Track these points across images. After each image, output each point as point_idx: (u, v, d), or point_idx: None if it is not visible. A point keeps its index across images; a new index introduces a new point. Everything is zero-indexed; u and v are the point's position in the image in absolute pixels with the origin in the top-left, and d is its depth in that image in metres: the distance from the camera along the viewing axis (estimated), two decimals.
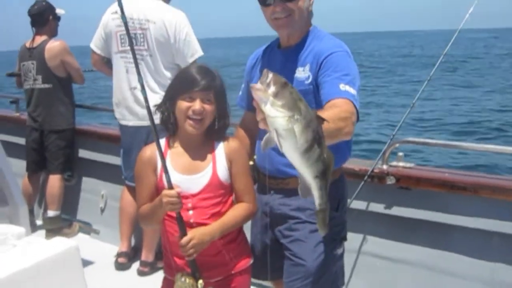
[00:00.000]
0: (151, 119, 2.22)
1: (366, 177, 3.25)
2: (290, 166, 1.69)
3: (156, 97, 3.16)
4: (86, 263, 2.55)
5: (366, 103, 19.83)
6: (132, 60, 3.80)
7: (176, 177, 2.20)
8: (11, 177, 3.00)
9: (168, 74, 3.75)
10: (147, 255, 4.03)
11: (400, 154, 3.43)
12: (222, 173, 2.30)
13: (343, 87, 2.10)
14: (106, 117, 6.80)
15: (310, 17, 2.43)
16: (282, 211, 2.45)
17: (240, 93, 2.72)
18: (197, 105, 2.22)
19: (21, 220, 2.92)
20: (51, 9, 4.92)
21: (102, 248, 4.47)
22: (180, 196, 2.15)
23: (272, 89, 1.52)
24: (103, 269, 4.06)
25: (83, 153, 5.05)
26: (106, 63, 4.13)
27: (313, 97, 2.22)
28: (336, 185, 2.37)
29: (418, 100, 3.60)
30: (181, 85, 2.27)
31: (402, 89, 25.01)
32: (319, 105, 2.11)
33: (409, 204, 3.28)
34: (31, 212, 4.77)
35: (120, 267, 4.15)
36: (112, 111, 4.17)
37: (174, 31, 3.76)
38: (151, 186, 2.32)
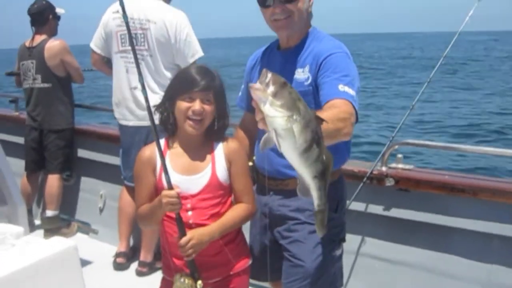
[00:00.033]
0: (152, 119, 2.22)
1: (365, 179, 3.24)
2: (290, 167, 1.69)
3: (156, 97, 3.16)
4: (84, 263, 2.55)
5: (366, 105, 19.84)
6: (132, 60, 3.80)
7: (175, 178, 2.20)
8: (10, 176, 2.99)
9: (168, 75, 3.74)
10: (145, 255, 4.03)
11: (399, 156, 3.43)
12: (221, 173, 2.30)
13: (342, 88, 2.10)
14: (106, 116, 6.80)
15: (309, 18, 2.43)
16: (281, 212, 2.45)
17: (240, 94, 2.72)
18: (196, 105, 2.21)
19: (20, 220, 2.92)
20: (51, 8, 4.92)
21: (101, 248, 4.47)
22: (179, 197, 2.15)
23: (271, 88, 1.52)
24: (102, 269, 4.06)
25: (82, 153, 5.05)
26: (106, 62, 4.13)
27: (312, 98, 2.22)
28: (335, 186, 2.37)
29: (418, 102, 3.60)
30: (181, 85, 2.27)
31: (402, 91, 25.02)
32: (318, 106, 2.11)
33: (408, 206, 3.28)
34: (29, 211, 4.78)
35: (119, 267, 4.15)
36: (112, 111, 4.17)
37: (174, 31, 3.76)
38: (150, 186, 2.31)
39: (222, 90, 2.32)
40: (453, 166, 10.52)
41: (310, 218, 2.29)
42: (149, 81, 3.71)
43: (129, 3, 2.35)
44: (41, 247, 2.35)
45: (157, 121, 2.28)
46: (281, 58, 2.43)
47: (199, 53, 3.86)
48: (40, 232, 4.74)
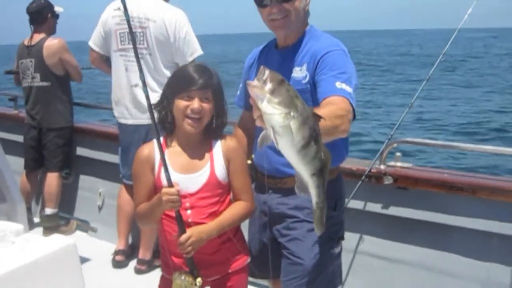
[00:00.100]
0: (152, 117, 2.22)
1: (363, 177, 3.25)
2: (288, 165, 1.70)
3: (155, 96, 3.16)
4: (83, 260, 2.56)
5: (364, 102, 19.85)
6: (131, 58, 3.83)
7: (174, 176, 2.19)
8: (9, 174, 3.00)
9: (168, 73, 3.74)
10: (144, 253, 4.03)
11: (398, 154, 3.44)
12: (220, 172, 2.30)
13: (339, 85, 2.10)
14: (105, 114, 6.79)
15: (307, 17, 2.43)
16: (280, 210, 2.45)
17: (238, 92, 2.72)
18: (195, 104, 2.21)
19: (19, 218, 2.93)
20: (50, 7, 4.92)
21: (100, 246, 4.48)
22: (179, 194, 2.15)
23: (268, 86, 1.51)
24: (101, 267, 4.06)
25: (81, 151, 5.05)
26: (105, 61, 4.12)
27: (310, 96, 2.22)
28: (334, 185, 2.38)
29: (417, 100, 3.60)
30: (179, 84, 2.26)
31: (400, 88, 25.04)
32: (316, 104, 2.11)
33: (407, 204, 3.28)
34: (28, 209, 4.78)
35: (118, 265, 4.15)
36: (111, 109, 4.17)
37: (174, 30, 3.75)
38: (148, 184, 2.31)
39: (220, 88, 2.31)
40: (453, 165, 10.52)
41: (309, 216, 2.29)
42: (149, 79, 3.71)
43: (128, 2, 2.35)
44: (41, 244, 2.36)
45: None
46: (279, 56, 2.43)
47: (198, 51, 3.85)
48: (39, 230, 4.75)
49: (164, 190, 2.15)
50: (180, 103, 2.22)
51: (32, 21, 4.89)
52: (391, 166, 3.37)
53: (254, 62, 2.58)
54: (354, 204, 3.27)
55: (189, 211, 2.25)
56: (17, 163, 4.95)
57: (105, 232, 4.63)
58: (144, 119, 3.76)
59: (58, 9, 4.99)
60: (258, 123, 1.59)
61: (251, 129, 2.55)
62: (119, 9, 3.79)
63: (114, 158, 4.38)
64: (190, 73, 2.25)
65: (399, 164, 3.40)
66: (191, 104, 2.21)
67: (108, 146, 4.66)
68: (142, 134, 3.75)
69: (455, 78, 28.38)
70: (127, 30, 3.75)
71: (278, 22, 2.33)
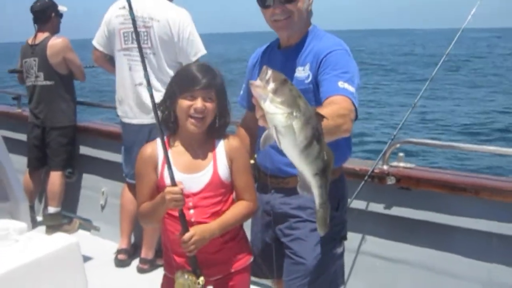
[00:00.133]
0: (156, 116, 2.23)
1: (366, 177, 3.25)
2: (290, 165, 1.70)
3: (158, 95, 3.18)
4: (85, 259, 2.57)
5: (368, 102, 19.84)
6: (135, 58, 3.84)
7: (177, 176, 2.19)
8: (12, 173, 3.01)
9: (171, 73, 3.74)
10: (147, 252, 4.04)
11: (401, 154, 3.43)
12: (223, 171, 2.30)
13: (341, 84, 2.10)
14: (108, 112, 6.81)
15: (309, 17, 2.44)
16: (283, 210, 2.45)
17: (241, 92, 2.72)
18: (198, 103, 2.21)
19: (22, 216, 2.94)
20: (54, 6, 4.93)
21: (102, 245, 4.48)
22: (183, 193, 2.15)
23: (271, 85, 1.52)
24: (103, 266, 4.07)
25: (84, 150, 5.06)
26: (108, 60, 4.13)
27: (313, 96, 2.22)
28: (336, 185, 2.37)
29: (421, 100, 3.60)
30: (182, 83, 2.26)
31: (404, 88, 24.98)
32: (318, 103, 2.11)
33: (409, 204, 3.28)
34: (31, 208, 4.78)
35: (120, 264, 4.16)
36: (114, 108, 4.17)
37: (178, 29, 3.75)
38: (151, 184, 2.31)
39: (223, 88, 2.31)
40: (457, 165, 10.51)
41: (312, 216, 2.29)
42: (152, 79, 3.70)
43: (133, 1, 2.36)
44: (44, 243, 2.37)
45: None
46: (281, 56, 2.44)
47: (202, 51, 3.85)
48: (42, 228, 4.76)
49: (168, 189, 2.14)
50: (183, 102, 2.22)
51: (36, 20, 4.90)
52: (394, 166, 3.37)
53: (257, 62, 2.59)
54: (356, 204, 3.27)
55: (192, 211, 2.25)
56: (20, 161, 4.96)
57: (107, 231, 4.64)
58: (147, 118, 3.77)
59: (62, 8, 5.00)
60: (260, 123, 1.59)
61: (254, 129, 2.55)
62: (124, 7, 3.79)
63: (117, 157, 4.39)
64: (193, 73, 2.25)
65: (402, 164, 3.39)
66: (194, 104, 2.21)
67: (111, 145, 4.66)
68: (145, 133, 3.76)
69: (458, 78, 28.32)
70: (131, 29, 3.78)
71: (281, 23, 2.34)
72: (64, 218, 4.88)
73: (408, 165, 3.39)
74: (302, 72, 2.30)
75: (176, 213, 2.20)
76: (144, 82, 2.29)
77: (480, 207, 3.06)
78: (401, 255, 3.35)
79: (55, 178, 4.81)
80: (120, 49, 3.90)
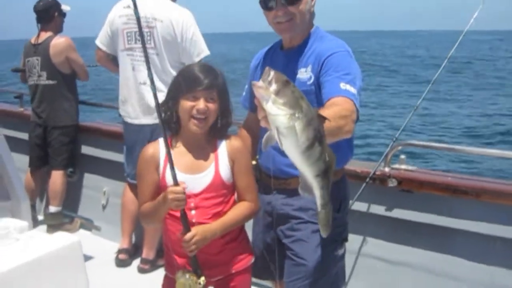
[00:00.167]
0: (159, 115, 2.23)
1: (368, 179, 3.24)
2: (292, 166, 1.69)
3: (161, 96, 3.18)
4: (86, 259, 2.57)
5: (371, 103, 19.82)
6: (138, 58, 3.84)
7: (178, 177, 2.19)
8: (14, 171, 3.01)
9: (174, 73, 3.72)
10: (148, 252, 4.04)
11: (402, 156, 3.43)
12: (225, 172, 2.30)
13: (343, 86, 2.11)
14: (111, 111, 6.82)
15: (312, 18, 2.44)
16: (284, 211, 2.45)
17: (244, 93, 2.73)
18: (201, 104, 2.21)
19: (23, 215, 2.94)
20: (57, 5, 4.93)
21: (103, 245, 4.48)
22: (185, 193, 2.15)
23: (273, 87, 1.52)
24: (104, 266, 4.07)
25: (85, 150, 5.06)
26: (111, 59, 4.13)
27: (314, 97, 2.22)
28: (338, 186, 2.38)
29: (424, 102, 3.59)
30: (184, 84, 2.26)
31: (407, 90, 24.96)
32: (320, 105, 2.11)
33: (411, 207, 3.27)
34: (33, 207, 4.78)
35: (121, 263, 4.16)
36: (116, 108, 4.17)
37: (181, 30, 3.75)
38: (153, 184, 2.31)
39: (225, 88, 2.31)
40: (460, 168, 10.49)
41: (313, 217, 2.29)
42: (155, 79, 3.68)
43: (136, 1, 2.36)
44: (45, 242, 2.37)
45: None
46: (284, 58, 2.44)
47: (205, 52, 3.85)
48: (43, 227, 4.77)
49: (170, 188, 2.14)
50: (186, 103, 2.22)
51: (39, 20, 4.91)
52: (395, 168, 3.37)
53: (259, 63, 2.59)
54: (358, 206, 3.27)
55: (193, 212, 2.25)
56: (22, 160, 4.96)
57: (108, 231, 4.64)
58: (150, 119, 3.77)
59: (65, 7, 5.01)
60: (263, 124, 1.60)
61: (256, 130, 2.55)
62: (128, 7, 3.79)
63: (119, 157, 4.39)
64: (195, 73, 2.25)
65: (403, 166, 3.39)
66: (197, 105, 2.21)
67: (113, 145, 4.67)
68: (147, 133, 3.76)
69: (461, 81, 28.30)
70: (134, 29, 3.78)
71: (284, 25, 2.34)
72: (65, 217, 4.88)
73: (410, 167, 3.39)
74: (304, 74, 2.31)
75: (178, 214, 2.20)
76: (148, 81, 2.29)
77: (481, 210, 3.05)
78: (402, 257, 3.35)
79: (57, 177, 4.82)
80: (123, 49, 3.90)
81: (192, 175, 2.26)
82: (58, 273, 2.31)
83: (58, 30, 4.95)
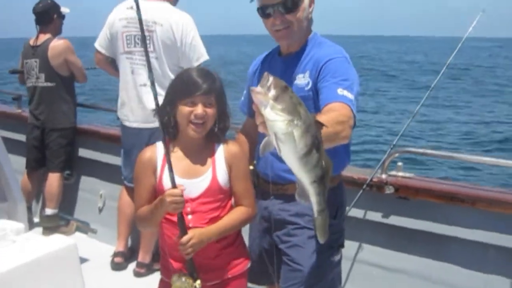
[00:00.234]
0: (159, 117, 2.23)
1: (365, 186, 3.25)
2: (290, 172, 1.69)
3: (160, 100, 3.19)
4: (82, 262, 2.56)
5: (368, 108, 19.83)
6: (137, 61, 3.83)
7: (176, 181, 2.19)
8: (10, 173, 3.00)
9: (173, 77, 3.74)
10: (144, 256, 4.03)
11: (399, 164, 3.43)
12: (222, 177, 2.30)
13: (341, 91, 2.11)
14: (107, 114, 6.81)
15: (310, 25, 2.45)
16: (281, 216, 2.45)
17: (242, 98, 2.73)
18: (199, 109, 2.21)
19: (19, 217, 2.93)
20: (56, 7, 4.93)
21: (99, 248, 4.47)
22: (183, 196, 2.15)
23: (272, 92, 1.52)
24: (99, 269, 4.06)
25: (83, 152, 5.05)
26: (110, 62, 4.13)
27: (312, 103, 2.23)
28: (335, 192, 2.38)
29: (422, 108, 3.60)
30: (182, 89, 2.26)
31: (406, 95, 25.00)
32: (318, 110, 2.12)
33: (407, 214, 3.28)
34: (29, 209, 4.78)
35: (116, 267, 4.15)
36: (114, 111, 4.17)
37: (181, 34, 3.74)
38: (150, 187, 2.31)
39: (222, 92, 2.32)
40: (459, 174, 10.49)
41: (310, 223, 2.30)
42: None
43: (132, 7, 2.36)
44: (42, 244, 2.36)
45: (157, 124, 2.29)
46: (282, 63, 2.45)
47: (204, 56, 3.84)
48: (39, 230, 4.75)
49: (169, 191, 2.14)
50: (184, 109, 2.22)
51: (38, 22, 4.90)
52: (392, 175, 3.37)
53: (258, 69, 2.60)
54: (354, 212, 3.27)
55: (190, 216, 2.25)
56: (19, 162, 4.96)
57: (105, 234, 4.63)
58: (148, 122, 3.75)
59: (64, 9, 5.01)
60: (261, 130, 1.60)
61: (254, 135, 2.56)
62: (131, 8, 3.78)
63: (116, 160, 4.38)
64: (193, 78, 2.25)
65: (400, 174, 3.39)
66: (195, 110, 2.21)
67: (110, 148, 4.66)
68: (145, 137, 3.74)
69: (460, 87, 28.38)
70: (133, 33, 3.78)
71: (281, 32, 2.36)
72: (61, 220, 4.87)
73: (407, 174, 3.39)
74: (302, 79, 2.31)
75: (174, 218, 2.20)
76: (148, 83, 2.29)
77: (478, 217, 3.06)
78: (398, 264, 3.35)
79: (53, 180, 4.81)
80: (122, 52, 3.90)
81: (189, 180, 2.26)
82: (54, 276, 2.30)
83: (57, 32, 4.95)
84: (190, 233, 2.18)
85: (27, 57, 4.87)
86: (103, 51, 4.06)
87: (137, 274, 4.04)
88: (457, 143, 14.81)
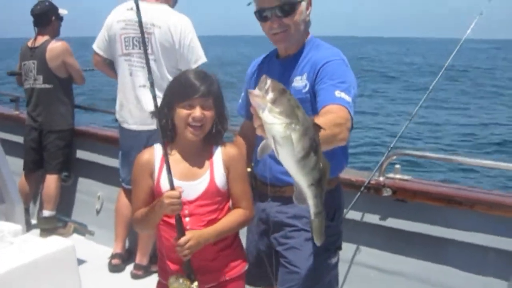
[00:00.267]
0: (158, 119, 2.23)
1: (362, 188, 3.25)
2: (288, 174, 1.69)
3: (158, 102, 3.19)
4: (80, 263, 2.56)
5: (366, 109, 19.83)
6: (135, 63, 3.83)
7: (174, 183, 2.19)
8: (8, 175, 3.00)
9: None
10: (141, 258, 4.02)
11: (397, 166, 3.43)
12: (220, 180, 2.30)
13: (338, 94, 2.12)
14: (105, 115, 6.80)
15: (307, 27, 2.45)
16: (278, 218, 2.45)
17: (240, 101, 2.73)
18: (197, 112, 2.21)
19: (17, 218, 2.93)
20: (54, 9, 4.93)
21: (96, 250, 4.46)
22: (181, 197, 2.15)
23: (270, 95, 1.51)
24: (97, 271, 4.05)
25: (80, 154, 5.05)
26: (108, 64, 4.12)
27: (310, 105, 2.23)
28: (333, 195, 2.38)
29: (421, 110, 3.60)
30: (180, 92, 2.26)
31: (404, 97, 25.00)
32: (315, 113, 2.12)
33: (405, 216, 3.28)
34: (26, 211, 4.77)
35: (114, 268, 4.14)
36: (112, 113, 4.16)
37: (179, 36, 3.74)
38: (147, 189, 2.31)
39: (220, 94, 2.31)
40: (458, 176, 10.50)
41: (307, 225, 2.30)
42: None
43: (134, 6, 2.36)
44: (39, 245, 2.37)
45: (155, 126, 2.29)
46: (280, 66, 2.45)
47: (202, 58, 3.84)
48: (36, 231, 4.74)
49: (168, 193, 2.14)
50: (182, 112, 2.22)
51: (36, 23, 4.90)
52: (390, 178, 3.37)
53: (255, 71, 2.60)
54: (352, 215, 3.27)
55: (187, 219, 2.24)
56: (17, 164, 4.95)
57: (102, 236, 4.62)
58: (146, 124, 3.75)
59: (62, 11, 5.00)
60: (258, 132, 1.59)
61: (252, 137, 2.55)
62: (131, 9, 3.78)
63: (114, 162, 4.38)
64: (191, 81, 2.24)
65: (398, 176, 3.40)
66: (193, 113, 2.21)
67: (108, 150, 4.66)
68: (144, 139, 3.74)
69: (459, 89, 28.39)
70: (132, 35, 3.79)
71: (279, 36, 2.36)
72: (58, 221, 4.86)
73: (405, 177, 3.40)
74: (300, 82, 2.32)
75: (172, 220, 2.20)
76: (147, 84, 2.29)
77: (476, 220, 3.06)
78: (396, 266, 3.35)
79: (51, 182, 4.80)
80: (120, 54, 3.89)
81: (187, 182, 2.25)
82: (51, 278, 2.30)
83: (55, 34, 4.94)
84: (188, 234, 2.17)
85: (25, 59, 4.86)
86: (101, 53, 4.06)
87: (134, 276, 4.03)
88: (456, 145, 14.81)
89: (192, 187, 2.25)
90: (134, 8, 2.37)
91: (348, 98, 2.12)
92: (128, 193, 3.89)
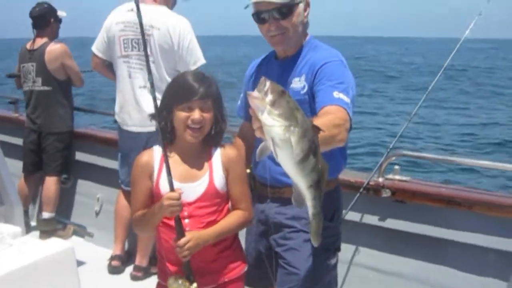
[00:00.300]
0: (157, 120, 2.23)
1: (361, 189, 3.25)
2: (287, 175, 1.69)
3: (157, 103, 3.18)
4: (79, 265, 2.56)
5: (366, 109, 19.81)
6: (134, 65, 3.83)
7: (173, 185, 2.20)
8: (7, 177, 3.00)
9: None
10: (141, 260, 4.02)
11: (396, 167, 3.44)
12: (219, 181, 2.30)
13: (336, 94, 2.12)
14: (104, 117, 6.80)
15: (305, 29, 2.46)
16: (277, 219, 2.45)
17: (239, 102, 2.73)
18: (196, 114, 2.21)
19: (16, 220, 2.93)
20: (53, 11, 4.93)
21: (96, 252, 4.46)
22: (180, 198, 2.15)
23: (269, 97, 1.51)
24: (96, 272, 4.05)
25: (80, 156, 5.05)
26: (107, 66, 4.12)
27: (308, 106, 2.24)
28: (332, 196, 2.38)
29: (420, 109, 3.60)
30: (178, 94, 2.26)
31: (403, 97, 24.98)
32: (314, 114, 2.12)
33: (404, 217, 3.28)
34: (26, 213, 4.76)
35: (113, 270, 4.14)
36: (112, 115, 4.16)
37: (178, 38, 3.74)
38: (146, 191, 2.31)
39: (219, 96, 2.31)
40: (457, 177, 10.49)
41: (306, 226, 2.29)
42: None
43: (132, 8, 2.37)
44: (39, 247, 2.37)
45: (154, 128, 2.29)
46: (278, 67, 2.45)
47: (201, 60, 3.84)
48: (36, 233, 4.74)
49: (168, 195, 2.14)
50: (181, 114, 2.22)
51: (35, 25, 4.89)
52: (389, 179, 3.37)
53: (254, 73, 2.61)
54: (351, 216, 3.27)
55: (186, 220, 2.24)
56: (16, 166, 4.95)
57: (101, 238, 4.62)
58: (146, 126, 3.75)
59: (61, 13, 5.00)
60: (257, 134, 1.59)
61: (251, 139, 2.55)
62: (131, 10, 3.78)
63: (113, 164, 4.37)
64: (189, 83, 2.24)
65: (397, 177, 3.40)
66: (192, 115, 2.21)
67: (107, 151, 4.66)
68: (143, 141, 3.73)
69: (458, 89, 28.36)
70: (131, 36, 3.78)
71: (277, 38, 2.36)
72: (58, 223, 4.86)
73: (404, 178, 3.40)
74: (298, 83, 2.32)
75: (171, 222, 2.20)
76: (148, 85, 2.29)
77: (475, 221, 3.06)
78: (395, 267, 3.35)
79: (50, 184, 4.80)
80: (119, 56, 3.89)
81: (186, 184, 2.25)
82: (50, 279, 2.30)
83: (54, 36, 4.94)
84: (188, 235, 2.17)
85: (24, 61, 4.86)
86: (100, 54, 4.06)
87: (134, 278, 4.03)
88: (456, 144, 14.79)
89: (191, 189, 2.25)
90: (134, 9, 2.37)
91: (346, 99, 2.12)
92: (128, 195, 3.89)
